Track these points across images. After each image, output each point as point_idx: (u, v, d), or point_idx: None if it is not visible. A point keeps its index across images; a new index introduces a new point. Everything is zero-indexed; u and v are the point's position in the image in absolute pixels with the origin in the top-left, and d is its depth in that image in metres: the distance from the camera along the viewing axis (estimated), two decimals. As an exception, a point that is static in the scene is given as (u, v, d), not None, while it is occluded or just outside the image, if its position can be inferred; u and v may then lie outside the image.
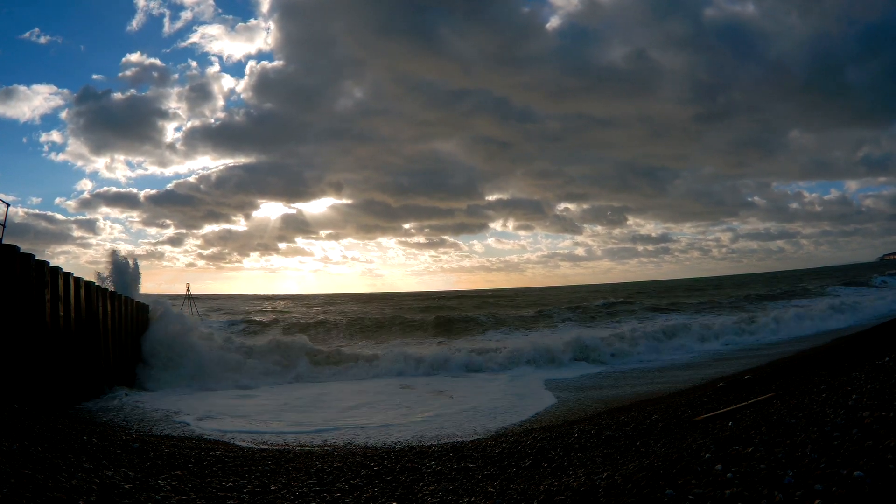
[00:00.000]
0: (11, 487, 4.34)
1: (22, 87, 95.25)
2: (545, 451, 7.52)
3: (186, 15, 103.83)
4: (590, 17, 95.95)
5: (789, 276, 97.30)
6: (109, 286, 16.59)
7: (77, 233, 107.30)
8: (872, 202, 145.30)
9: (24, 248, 11.02)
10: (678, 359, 20.59)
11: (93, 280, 14.59)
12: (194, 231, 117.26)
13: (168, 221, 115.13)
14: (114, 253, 20.53)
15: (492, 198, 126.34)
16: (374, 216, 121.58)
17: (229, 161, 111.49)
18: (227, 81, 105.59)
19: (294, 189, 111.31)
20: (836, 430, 4.44)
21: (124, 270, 19.80)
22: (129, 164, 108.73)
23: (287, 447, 9.25)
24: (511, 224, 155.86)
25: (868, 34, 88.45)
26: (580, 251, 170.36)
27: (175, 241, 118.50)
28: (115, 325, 15.59)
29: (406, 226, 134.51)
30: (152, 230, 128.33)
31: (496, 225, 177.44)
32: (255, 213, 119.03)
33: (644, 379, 16.36)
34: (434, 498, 5.59)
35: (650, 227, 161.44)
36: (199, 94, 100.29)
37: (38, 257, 11.43)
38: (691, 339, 24.36)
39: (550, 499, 4.67)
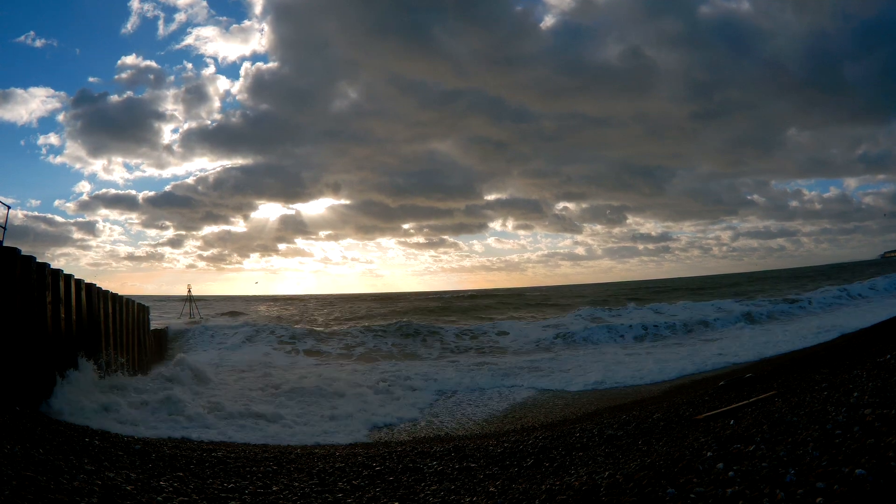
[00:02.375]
0: (13, 489, 4.34)
1: (19, 90, 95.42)
2: (547, 450, 7.51)
3: (180, 17, 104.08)
4: (583, 15, 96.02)
5: (796, 274, 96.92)
6: None
7: (77, 235, 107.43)
8: (872, 200, 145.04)
9: (25, 250, 11.02)
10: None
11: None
12: (193, 232, 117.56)
13: (167, 223, 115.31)
14: None
15: (490, 198, 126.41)
16: (372, 217, 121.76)
17: (226, 162, 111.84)
18: (223, 83, 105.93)
19: (292, 190, 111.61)
20: (838, 427, 4.44)
21: None
22: (127, 166, 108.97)
23: (289, 448, 9.24)
24: (510, 224, 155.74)
25: (864, 31, 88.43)
26: (580, 250, 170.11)
27: (175, 243, 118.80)
28: (116, 326, 15.60)
29: (405, 226, 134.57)
30: (152, 232, 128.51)
31: (495, 225, 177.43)
32: (254, 215, 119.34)
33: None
34: (436, 498, 5.59)
35: (650, 226, 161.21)
36: (195, 95, 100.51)
37: (38, 259, 11.43)
38: None
39: (552, 498, 4.67)
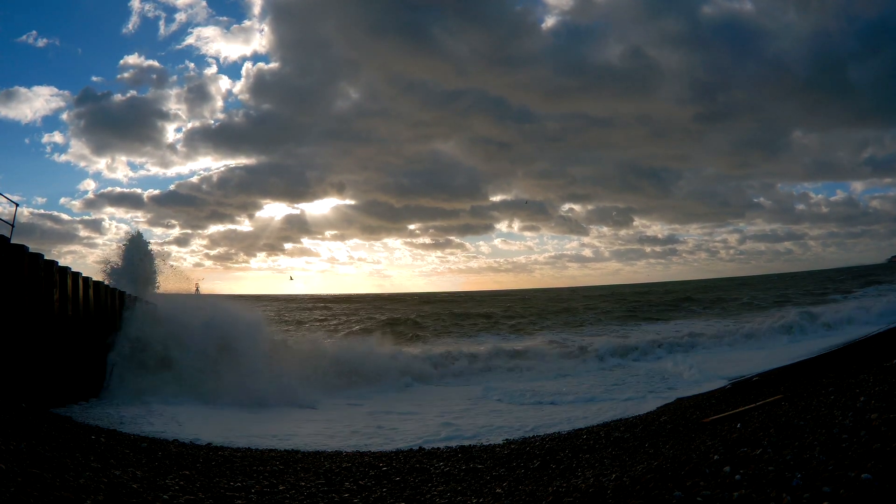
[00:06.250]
0: (18, 486, 4.35)
1: (23, 89, 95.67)
2: (554, 452, 7.51)
3: (181, 17, 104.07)
4: (583, 14, 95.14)
5: (804, 277, 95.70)
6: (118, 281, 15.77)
7: (83, 233, 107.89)
8: (879, 203, 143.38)
9: (32, 247, 11.08)
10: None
11: (101, 278, 14.64)
12: (199, 231, 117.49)
13: (173, 221, 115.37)
14: (133, 239, 17.53)
15: (496, 198, 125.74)
16: (377, 217, 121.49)
17: (230, 162, 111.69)
18: (225, 83, 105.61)
19: (296, 190, 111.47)
20: (844, 432, 4.42)
21: (139, 263, 17.13)
22: (131, 165, 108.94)
23: (296, 448, 9.26)
24: (516, 225, 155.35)
25: (868, 31, 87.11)
26: (587, 252, 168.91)
27: (181, 242, 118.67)
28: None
29: (411, 226, 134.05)
30: (158, 230, 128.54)
31: (501, 226, 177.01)
32: (259, 214, 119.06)
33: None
34: (443, 499, 5.60)
35: (656, 229, 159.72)
36: (198, 95, 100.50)
37: (45, 257, 11.50)
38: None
39: (559, 500, 4.66)
